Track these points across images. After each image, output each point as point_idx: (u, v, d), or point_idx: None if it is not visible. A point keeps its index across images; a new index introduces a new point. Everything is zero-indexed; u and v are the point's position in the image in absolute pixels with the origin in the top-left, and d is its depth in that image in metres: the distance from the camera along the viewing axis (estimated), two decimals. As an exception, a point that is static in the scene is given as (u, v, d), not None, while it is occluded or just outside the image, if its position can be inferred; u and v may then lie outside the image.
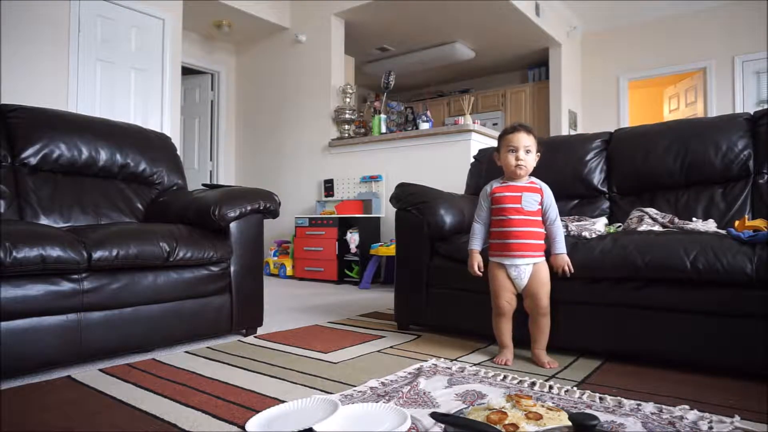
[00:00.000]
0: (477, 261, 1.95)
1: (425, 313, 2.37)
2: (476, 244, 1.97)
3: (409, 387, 1.52)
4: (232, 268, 2.27)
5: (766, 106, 5.22)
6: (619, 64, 6.43)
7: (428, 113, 4.83)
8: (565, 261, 1.85)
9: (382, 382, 1.60)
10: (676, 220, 2.12)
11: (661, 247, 1.78)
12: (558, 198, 1.92)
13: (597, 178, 2.52)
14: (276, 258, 5.11)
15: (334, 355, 1.98)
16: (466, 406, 1.34)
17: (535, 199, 1.86)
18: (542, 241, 1.86)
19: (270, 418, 1.27)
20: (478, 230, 1.97)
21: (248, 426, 1.23)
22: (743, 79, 5.67)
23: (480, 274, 1.95)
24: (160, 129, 4.24)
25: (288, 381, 1.64)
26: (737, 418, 1.29)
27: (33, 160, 2.30)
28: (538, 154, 1.91)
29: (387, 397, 1.45)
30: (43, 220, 2.21)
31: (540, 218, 1.87)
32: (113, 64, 4.16)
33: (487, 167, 2.87)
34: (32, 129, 2.32)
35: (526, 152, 1.85)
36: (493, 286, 1.90)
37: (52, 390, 1.56)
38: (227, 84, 6.16)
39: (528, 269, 1.84)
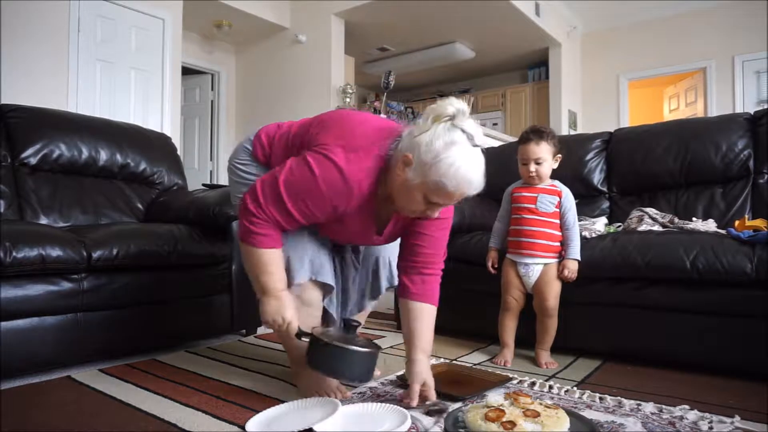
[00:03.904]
0: (491, 258, 2.00)
1: (425, 313, 2.37)
2: (494, 242, 2.02)
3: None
4: (232, 268, 2.27)
5: (766, 106, 5.22)
6: (619, 64, 6.42)
7: (428, 113, 4.83)
8: (573, 268, 1.83)
9: (381, 382, 1.60)
10: (676, 220, 2.12)
11: (661, 247, 1.78)
12: (558, 198, 1.92)
13: (597, 178, 2.52)
14: (276, 258, 5.11)
15: (334, 355, 1.98)
16: (465, 405, 1.34)
17: (551, 201, 1.86)
18: (556, 243, 1.86)
19: (270, 418, 1.27)
20: (496, 229, 2.02)
21: (248, 426, 1.23)
22: (743, 79, 5.66)
23: (493, 271, 1.98)
24: (160, 129, 4.23)
25: (288, 381, 1.64)
26: (737, 418, 1.29)
27: (33, 160, 2.30)
28: (558, 156, 1.89)
29: (387, 397, 1.45)
30: (43, 220, 2.21)
31: (557, 221, 1.86)
32: (113, 64, 4.16)
33: (487, 167, 2.86)
34: (32, 129, 2.32)
35: (538, 163, 1.84)
36: (503, 282, 1.93)
37: (52, 390, 1.56)
38: (227, 84, 6.16)
39: (537, 269, 1.85)
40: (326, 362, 1.29)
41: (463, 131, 1.23)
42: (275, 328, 1.37)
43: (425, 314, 1.47)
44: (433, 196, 1.26)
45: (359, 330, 1.50)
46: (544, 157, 1.85)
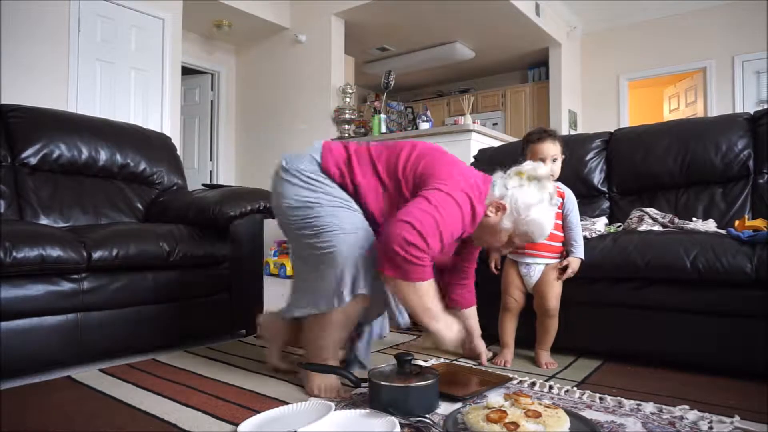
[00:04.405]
0: (493, 259, 2.01)
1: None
2: None
3: (409, 387, 1.51)
4: (232, 268, 2.27)
5: (766, 106, 5.22)
6: (619, 64, 6.42)
7: (428, 113, 4.83)
8: (576, 267, 1.83)
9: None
10: (676, 220, 2.12)
11: (661, 247, 1.78)
12: (558, 198, 1.92)
13: (597, 178, 2.52)
14: (276, 258, 5.12)
15: (334, 355, 1.98)
16: (464, 405, 1.34)
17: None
18: (558, 244, 1.86)
19: (264, 421, 1.28)
20: None
21: (240, 427, 1.23)
22: (743, 79, 5.66)
23: (496, 272, 1.99)
24: (160, 129, 4.23)
25: (288, 381, 1.64)
26: (737, 418, 1.29)
27: (33, 160, 2.30)
28: (563, 156, 1.91)
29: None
30: (43, 220, 2.21)
31: (559, 221, 1.86)
32: (113, 64, 4.16)
33: (488, 167, 2.86)
34: (32, 129, 2.33)
35: (553, 161, 1.86)
36: (503, 282, 1.93)
37: (52, 390, 1.56)
38: (227, 84, 6.15)
39: (538, 269, 1.85)
40: (391, 403, 1.31)
41: (549, 193, 1.52)
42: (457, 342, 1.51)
43: (473, 313, 1.93)
44: (516, 239, 1.55)
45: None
46: (559, 154, 1.88)
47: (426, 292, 1.39)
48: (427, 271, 1.37)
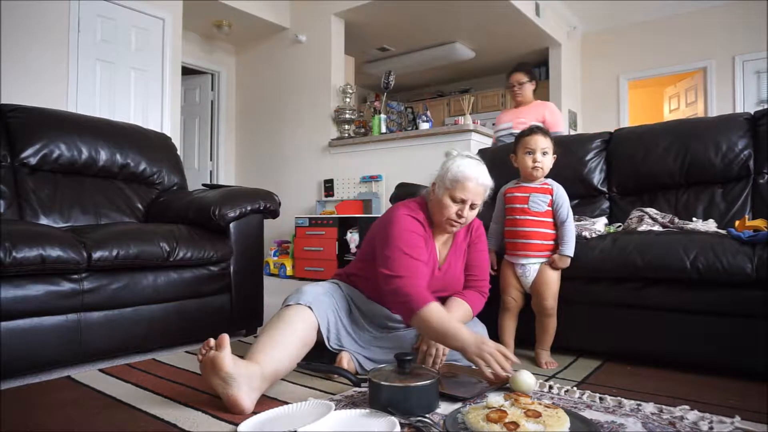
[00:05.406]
0: (491, 260, 2.00)
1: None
2: (491, 244, 2.02)
3: (409, 387, 1.51)
4: (232, 268, 2.27)
5: (766, 106, 5.21)
6: (619, 64, 6.42)
7: (428, 113, 4.83)
8: (562, 265, 1.84)
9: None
10: (676, 220, 2.12)
11: (660, 247, 1.78)
12: (558, 198, 1.92)
13: (597, 178, 2.52)
14: (276, 258, 5.12)
15: (334, 355, 1.98)
16: (464, 405, 1.34)
17: (543, 200, 1.87)
18: (551, 242, 1.87)
19: (263, 421, 1.28)
20: (493, 230, 2.03)
21: (240, 427, 1.23)
22: (743, 79, 5.66)
23: (493, 272, 1.98)
24: (160, 129, 4.24)
25: (288, 381, 1.64)
26: (737, 418, 1.29)
27: (33, 160, 2.30)
28: (554, 155, 1.93)
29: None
30: (43, 220, 2.21)
31: (550, 219, 1.87)
32: (113, 64, 4.16)
33: (487, 167, 2.86)
34: (32, 129, 2.32)
35: (543, 154, 1.88)
36: (501, 282, 1.94)
37: (52, 390, 1.56)
38: (227, 84, 6.15)
39: (534, 268, 1.86)
40: (391, 403, 1.30)
41: (456, 152, 1.75)
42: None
43: (455, 302, 1.77)
44: (456, 196, 1.65)
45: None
46: (549, 148, 1.89)
47: (430, 318, 1.51)
48: (416, 299, 1.52)
